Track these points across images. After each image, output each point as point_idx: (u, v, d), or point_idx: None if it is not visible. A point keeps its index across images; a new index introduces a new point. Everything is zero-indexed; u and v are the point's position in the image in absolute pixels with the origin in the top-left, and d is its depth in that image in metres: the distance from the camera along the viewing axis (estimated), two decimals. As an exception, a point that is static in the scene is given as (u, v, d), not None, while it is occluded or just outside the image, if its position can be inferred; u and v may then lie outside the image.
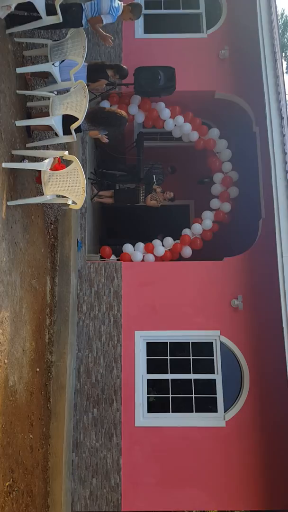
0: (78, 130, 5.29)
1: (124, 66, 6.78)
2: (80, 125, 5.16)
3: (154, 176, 8.54)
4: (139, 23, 8.37)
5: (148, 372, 6.82)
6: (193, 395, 6.72)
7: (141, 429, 6.59)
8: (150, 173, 8.69)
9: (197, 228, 7.93)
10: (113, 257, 7.55)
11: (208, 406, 6.70)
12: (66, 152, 4.82)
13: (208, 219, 7.96)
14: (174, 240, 7.89)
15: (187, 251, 7.83)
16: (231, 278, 7.15)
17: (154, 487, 6.33)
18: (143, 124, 8.52)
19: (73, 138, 5.16)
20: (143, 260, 7.56)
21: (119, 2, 5.49)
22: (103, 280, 7.09)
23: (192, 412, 6.67)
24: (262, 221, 7.39)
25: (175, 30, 8.50)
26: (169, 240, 7.83)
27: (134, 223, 9.68)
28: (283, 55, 28.98)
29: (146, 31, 8.47)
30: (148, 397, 6.74)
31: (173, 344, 6.99)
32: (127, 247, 7.59)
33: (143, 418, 6.63)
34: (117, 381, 6.68)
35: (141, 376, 6.73)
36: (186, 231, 7.99)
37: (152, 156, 9.38)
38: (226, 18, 8.38)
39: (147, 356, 6.86)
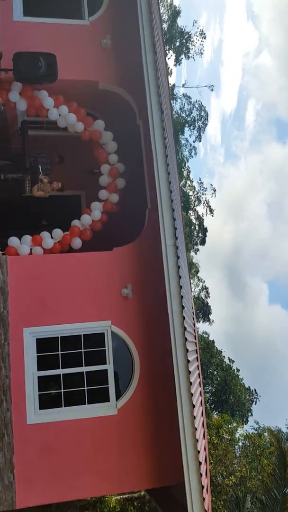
0: None
1: (-1, 49, 6.45)
2: None
3: (40, 166, 8.27)
4: (18, 5, 7.97)
5: (39, 368, 6.69)
6: (85, 388, 6.75)
7: (34, 426, 6.49)
8: (36, 163, 8.40)
9: (86, 219, 7.91)
10: (-3, 251, 7.23)
11: (101, 396, 6.78)
12: None
13: (97, 210, 7.98)
14: (63, 232, 7.78)
15: (77, 242, 7.78)
16: (120, 267, 7.25)
17: (49, 481, 6.31)
18: (26, 112, 8.20)
19: None
20: (30, 253, 7.34)
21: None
22: (-13, 276, 6.75)
23: (85, 404, 6.71)
24: (148, 211, 7.58)
25: (56, 15, 8.23)
26: (58, 232, 7.69)
27: (22, 214, 9.33)
28: (172, 46, 29.85)
29: (26, 13, 8.08)
30: (40, 394, 6.63)
31: (64, 337, 6.93)
32: (13, 240, 7.31)
33: (35, 415, 6.52)
34: (6, 381, 6.45)
35: (31, 373, 6.58)
36: (75, 222, 7.93)
37: (39, 145, 9.06)
38: (108, 6, 8.33)
39: (37, 352, 6.71)
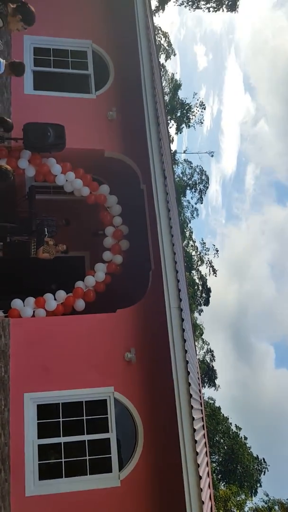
0: None
1: (9, 120, 6.80)
2: None
3: (46, 228, 8.45)
4: (29, 79, 8.49)
5: (39, 436, 6.43)
6: (87, 457, 6.45)
7: (33, 498, 6.14)
8: (42, 226, 8.59)
9: (90, 280, 7.94)
10: (0, 313, 7.19)
11: (103, 466, 6.46)
12: None
13: (100, 271, 8.03)
14: (67, 293, 7.79)
15: (80, 304, 7.75)
16: (123, 330, 7.17)
17: None
18: (34, 177, 8.50)
19: None
20: (33, 315, 7.30)
21: (2, 61, 5.54)
22: (-11, 339, 6.67)
23: (87, 475, 6.38)
24: (152, 272, 7.62)
25: (65, 89, 8.75)
26: (61, 294, 7.70)
27: (27, 275, 9.38)
28: (174, 116, 31.44)
29: (36, 87, 8.60)
30: (40, 464, 6.32)
31: (65, 403, 6.72)
32: (16, 303, 7.30)
33: (34, 486, 6.18)
34: (5, 449, 6.18)
35: (31, 442, 6.31)
36: (79, 283, 7.95)
37: (45, 208, 9.32)
38: (114, 81, 8.88)
39: (37, 419, 6.47)
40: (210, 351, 31.27)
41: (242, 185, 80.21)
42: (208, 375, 29.41)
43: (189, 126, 33.19)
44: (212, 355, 31.13)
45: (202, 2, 22.03)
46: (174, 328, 6.27)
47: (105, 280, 8.02)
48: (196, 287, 29.86)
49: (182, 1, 22.98)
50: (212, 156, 33.74)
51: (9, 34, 8.35)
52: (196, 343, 26.75)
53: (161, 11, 24.21)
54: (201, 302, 30.21)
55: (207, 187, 32.99)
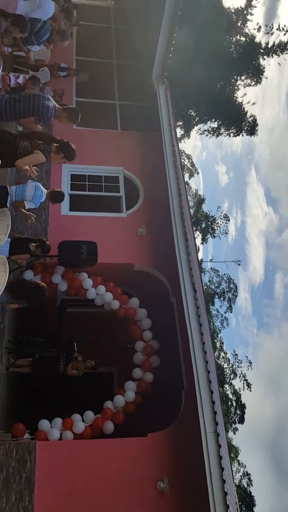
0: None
1: (47, 242, 7.14)
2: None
3: (75, 344, 8.38)
4: (65, 202, 9.08)
5: None
6: None
7: None
8: (71, 340, 8.54)
9: (119, 400, 7.58)
10: (27, 435, 6.84)
11: None
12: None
13: (130, 391, 7.68)
14: (95, 413, 7.43)
15: (109, 427, 7.31)
16: (156, 456, 6.65)
17: None
18: (66, 291, 8.68)
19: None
20: (60, 438, 6.91)
21: (44, 190, 6.00)
22: (13, 464, 6.26)
23: None
24: (185, 392, 7.26)
25: (98, 209, 9.33)
26: (89, 415, 7.33)
27: (54, 392, 9.10)
28: (199, 227, 32.65)
29: (72, 209, 9.20)
30: None
31: None
32: (43, 424, 6.97)
33: None
34: None
35: None
36: (108, 403, 7.60)
37: (75, 321, 9.38)
38: (143, 201, 9.44)
39: None
40: (247, 474, 28.44)
41: (272, 292, 79.39)
42: (246, 502, 26.37)
43: (214, 237, 34.14)
44: (249, 479, 28.23)
45: (223, 129, 24.02)
46: (211, 456, 5.75)
47: (135, 400, 7.63)
48: (229, 403, 28.16)
49: (204, 131, 25.07)
50: (239, 264, 34.03)
51: (49, 163, 9.18)
52: (232, 466, 24.50)
53: (186, 137, 26.46)
54: (236, 419, 28.22)
55: (236, 296, 32.77)
